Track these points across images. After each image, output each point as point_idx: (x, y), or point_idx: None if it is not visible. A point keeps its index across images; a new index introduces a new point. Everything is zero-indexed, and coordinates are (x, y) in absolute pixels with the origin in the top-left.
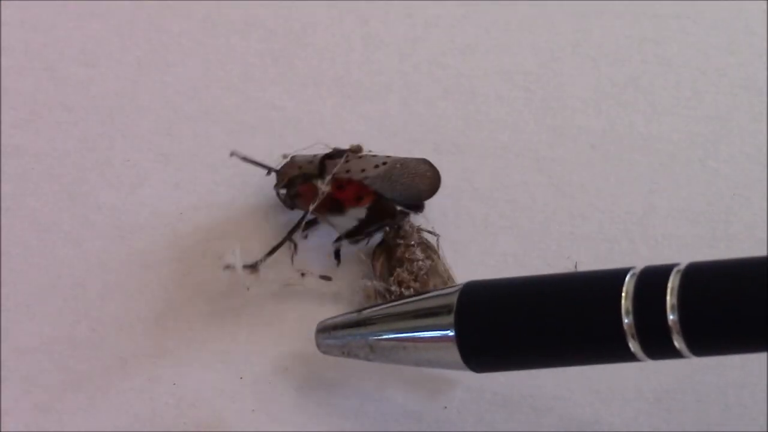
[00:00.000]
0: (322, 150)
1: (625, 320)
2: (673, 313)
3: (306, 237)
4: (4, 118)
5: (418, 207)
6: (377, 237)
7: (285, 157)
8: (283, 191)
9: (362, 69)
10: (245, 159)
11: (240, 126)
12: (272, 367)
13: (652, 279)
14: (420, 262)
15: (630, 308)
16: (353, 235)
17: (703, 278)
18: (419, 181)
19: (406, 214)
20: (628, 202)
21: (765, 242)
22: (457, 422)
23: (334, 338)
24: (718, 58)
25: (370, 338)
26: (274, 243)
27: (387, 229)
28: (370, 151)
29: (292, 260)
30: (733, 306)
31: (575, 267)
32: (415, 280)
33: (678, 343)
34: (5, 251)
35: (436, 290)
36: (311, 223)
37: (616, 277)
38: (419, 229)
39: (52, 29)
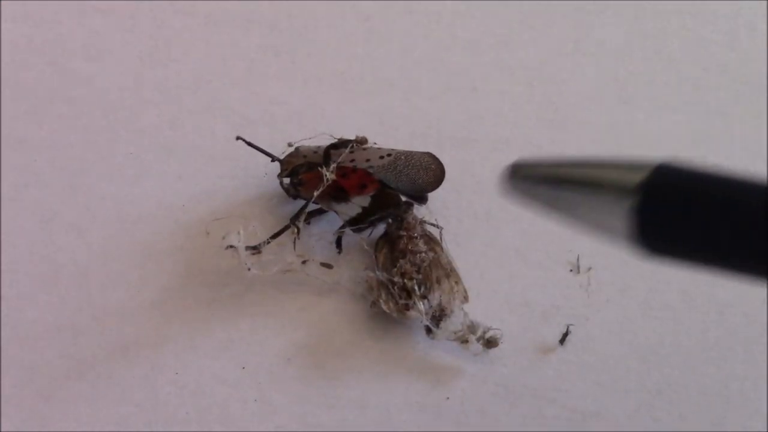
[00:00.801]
0: (326, 141)
1: None
2: None
3: (309, 224)
4: (8, 111)
5: (422, 199)
6: (380, 228)
7: (290, 146)
8: (286, 180)
9: (364, 64)
10: (250, 144)
11: (242, 120)
12: (274, 356)
13: None
14: (423, 254)
15: None
16: (356, 223)
17: None
18: (423, 174)
19: (410, 206)
20: None
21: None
22: (460, 413)
23: (522, 184)
24: (719, 54)
25: (554, 193)
26: (278, 230)
27: (390, 220)
28: (374, 143)
29: (294, 246)
30: None
31: (577, 260)
32: (418, 272)
33: None
34: (8, 241)
35: (624, 162)
36: (315, 212)
37: None
38: (422, 222)
39: (56, 24)
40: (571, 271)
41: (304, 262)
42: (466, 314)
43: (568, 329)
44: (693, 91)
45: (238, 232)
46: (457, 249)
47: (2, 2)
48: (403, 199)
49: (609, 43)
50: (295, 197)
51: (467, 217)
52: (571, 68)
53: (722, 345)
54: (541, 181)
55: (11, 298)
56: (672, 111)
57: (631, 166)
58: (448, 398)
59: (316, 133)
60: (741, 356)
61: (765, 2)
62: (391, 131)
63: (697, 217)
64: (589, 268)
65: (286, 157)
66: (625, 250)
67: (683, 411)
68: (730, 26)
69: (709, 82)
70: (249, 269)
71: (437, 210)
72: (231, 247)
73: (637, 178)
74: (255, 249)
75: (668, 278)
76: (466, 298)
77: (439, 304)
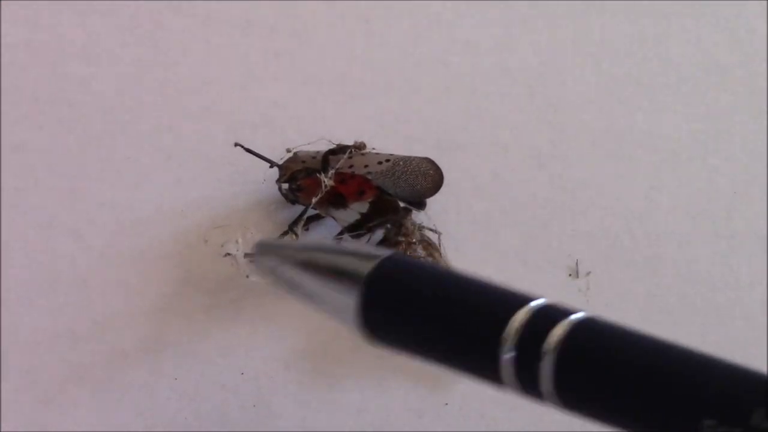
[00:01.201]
0: (325, 146)
1: (504, 351)
2: (545, 360)
3: (307, 230)
4: (7, 115)
5: (420, 205)
6: (379, 234)
7: (288, 151)
8: (285, 185)
9: (364, 67)
10: (249, 151)
11: (241, 123)
12: (273, 362)
13: (544, 319)
14: (421, 260)
15: (511, 339)
16: (355, 229)
17: (588, 339)
18: (422, 180)
19: (408, 212)
20: (628, 199)
21: (765, 238)
22: (459, 418)
23: (265, 261)
24: (719, 56)
25: (290, 273)
26: (280, 234)
27: (389, 226)
28: (373, 148)
29: None
30: (606, 381)
31: (576, 264)
32: None
33: (544, 389)
34: (7, 246)
35: (356, 251)
36: (313, 218)
37: (519, 302)
38: (421, 227)
39: (54, 27)
40: (570, 275)
41: None
42: None
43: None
44: (693, 93)
45: (237, 241)
46: (456, 254)
47: (1, 5)
48: (402, 205)
49: (608, 46)
50: (294, 203)
51: (466, 222)
52: (570, 70)
53: (722, 348)
54: (284, 263)
55: (10, 304)
56: (672, 113)
57: (365, 256)
58: (446, 403)
59: (315, 137)
60: (741, 359)
61: (765, 4)
62: (390, 134)
63: (413, 311)
64: (588, 273)
65: (284, 162)
66: (355, 335)
67: None
68: (730, 29)
69: (709, 84)
70: (247, 276)
71: (436, 214)
72: (229, 254)
73: (366, 268)
74: (253, 257)
75: (668, 282)
76: None
77: None
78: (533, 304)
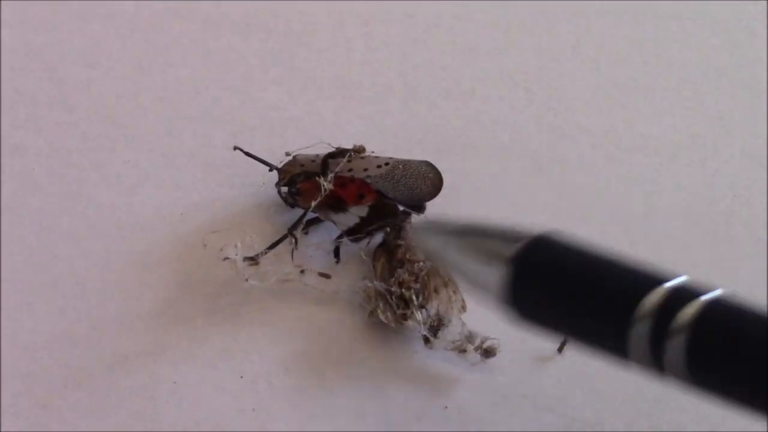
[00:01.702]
0: (324, 149)
1: (635, 328)
2: (675, 340)
3: (307, 233)
4: (5, 118)
5: (420, 208)
6: (378, 238)
7: (288, 155)
8: (284, 189)
9: (363, 69)
10: (248, 154)
11: (241, 126)
12: (272, 366)
13: (679, 296)
14: (421, 263)
15: (646, 316)
16: (354, 233)
17: (719, 320)
18: (421, 183)
19: (408, 215)
20: (628, 202)
21: (765, 242)
22: (458, 422)
23: (428, 233)
24: (719, 58)
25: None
26: (275, 240)
27: (388, 230)
28: (372, 152)
29: (292, 256)
30: (735, 361)
31: None
32: (416, 281)
33: (670, 370)
34: (6, 250)
35: (506, 231)
36: (312, 222)
37: (653, 281)
38: None
39: (53, 30)
40: None
41: (302, 272)
42: (464, 324)
43: (566, 339)
44: (692, 96)
45: (236, 245)
46: None
47: (0, 7)
48: (401, 208)
49: (608, 48)
50: (293, 206)
51: None
52: (570, 73)
53: None
54: (438, 236)
55: (9, 308)
56: (671, 116)
57: (511, 236)
58: (446, 407)
59: (314, 140)
60: None
61: (765, 6)
62: (389, 137)
63: (564, 293)
64: None
65: (283, 166)
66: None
67: (682, 420)
68: (730, 31)
69: (708, 86)
70: (247, 280)
71: (435, 218)
72: (228, 258)
73: (512, 249)
74: (252, 260)
75: None
76: (464, 308)
77: (437, 314)
78: (667, 284)
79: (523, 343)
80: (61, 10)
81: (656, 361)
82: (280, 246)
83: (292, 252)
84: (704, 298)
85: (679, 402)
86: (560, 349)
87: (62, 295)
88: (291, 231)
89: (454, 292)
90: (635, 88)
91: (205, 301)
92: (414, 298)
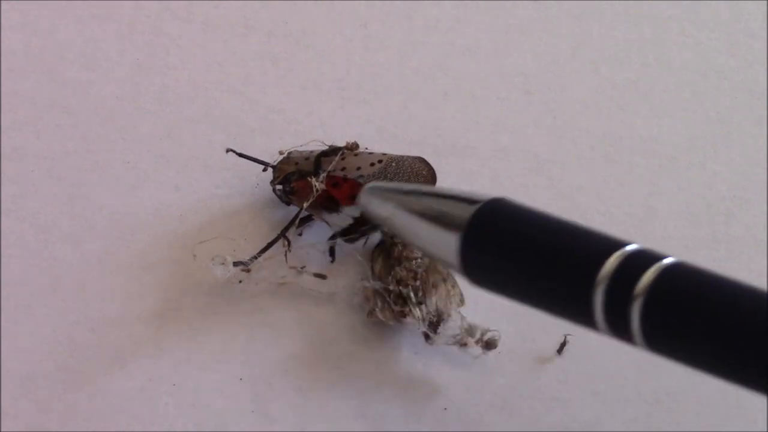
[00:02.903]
0: (318, 147)
1: (598, 289)
2: (635, 304)
3: (300, 234)
4: (4, 121)
5: None
6: (375, 237)
7: (282, 153)
8: (279, 187)
9: (362, 71)
10: (241, 155)
11: (240, 128)
12: (271, 368)
13: (636, 263)
14: (418, 260)
15: (606, 280)
16: (348, 233)
17: (678, 283)
18: (414, 180)
19: None
20: (627, 204)
21: (765, 244)
22: (458, 423)
23: (371, 199)
24: (718, 60)
25: (394, 213)
26: (268, 242)
27: (384, 229)
28: (366, 148)
29: (286, 258)
30: (694, 323)
31: None
32: (414, 278)
33: (635, 335)
34: (5, 252)
35: (460, 195)
36: (306, 220)
37: (612, 246)
38: None
39: (51, 32)
40: None
41: (299, 272)
42: (463, 317)
43: (565, 339)
44: (692, 98)
45: (224, 260)
46: None
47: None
48: None
49: (607, 50)
50: (289, 204)
51: None
52: (569, 75)
53: None
54: (388, 200)
55: (8, 310)
56: (671, 118)
57: (467, 200)
58: (445, 408)
59: (310, 140)
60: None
61: (765, 8)
62: (388, 139)
63: (523, 257)
64: None
65: (278, 164)
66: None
67: (681, 420)
68: (729, 33)
69: (707, 88)
70: (240, 282)
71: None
72: (222, 263)
73: (467, 211)
74: (244, 265)
75: None
76: (462, 301)
77: (437, 309)
78: (627, 248)
79: (522, 344)
80: (60, 11)
81: (620, 327)
82: (275, 247)
83: (286, 254)
84: (663, 262)
85: (678, 403)
86: (560, 350)
87: (61, 297)
88: (283, 233)
89: (453, 286)
90: (634, 90)
91: (203, 303)
92: (412, 294)
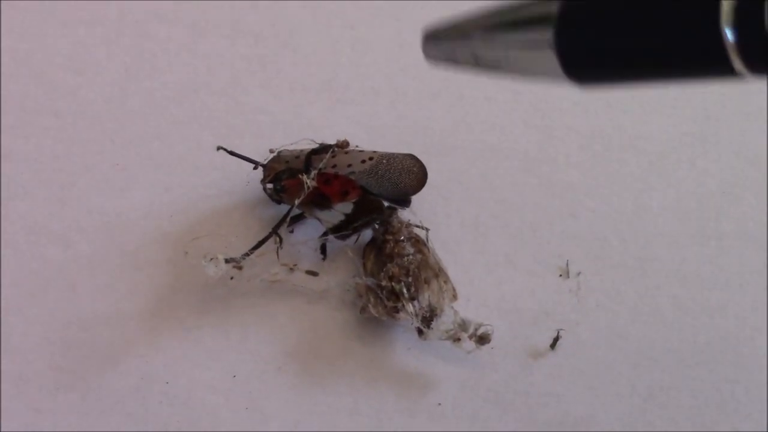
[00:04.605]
0: (308, 145)
1: (727, 33)
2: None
3: (292, 232)
4: None
5: (405, 202)
6: (367, 234)
7: (272, 151)
8: (269, 186)
9: (350, 72)
10: (232, 153)
11: (228, 130)
12: (265, 365)
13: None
14: (410, 257)
15: (730, 23)
16: (340, 230)
17: None
18: (405, 177)
19: (394, 210)
20: (617, 201)
21: (755, 239)
22: (451, 419)
23: (440, 47)
24: None
25: (474, 48)
26: (260, 240)
27: (376, 226)
28: (356, 146)
29: (278, 255)
30: None
31: (567, 265)
32: (407, 275)
33: None
34: None
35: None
36: (297, 218)
37: None
38: (408, 225)
39: (39, 36)
40: (560, 276)
41: (291, 269)
42: (456, 312)
43: (558, 334)
44: (680, 95)
45: (216, 258)
46: (446, 256)
47: None
48: (386, 204)
49: None
50: (280, 203)
51: (455, 224)
52: None
53: (713, 348)
54: (461, 37)
55: (1, 312)
56: (659, 115)
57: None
58: (439, 404)
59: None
60: (732, 359)
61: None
62: (377, 139)
63: (618, 28)
64: (579, 273)
65: (268, 162)
66: (559, 85)
67: (675, 415)
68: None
69: (696, 86)
70: (231, 278)
71: (425, 217)
72: (213, 259)
73: (551, 8)
74: (236, 262)
75: (657, 282)
76: (455, 297)
77: (429, 305)
78: None
79: (515, 340)
80: (46, 16)
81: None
82: (267, 245)
83: (278, 251)
84: None
85: (671, 397)
86: (553, 346)
87: (53, 298)
88: (275, 230)
89: (445, 282)
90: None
91: (195, 301)
92: (405, 290)
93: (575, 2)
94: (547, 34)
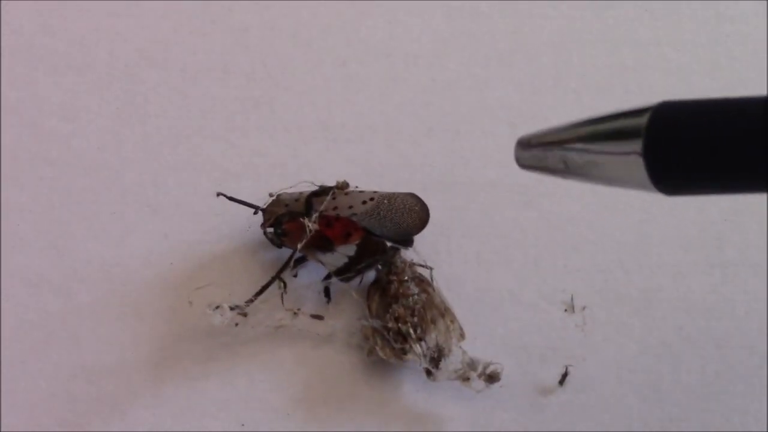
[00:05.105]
0: (308, 188)
1: None
2: None
3: (296, 276)
4: None
5: (408, 242)
6: (370, 275)
7: (271, 195)
8: (270, 230)
9: (344, 111)
10: (231, 199)
11: (225, 174)
12: (273, 412)
13: None
14: (415, 297)
15: None
16: (343, 272)
17: None
18: (407, 216)
19: (397, 250)
20: (619, 232)
21: (759, 266)
22: None
23: (532, 153)
24: (700, 84)
25: (565, 156)
26: (263, 285)
27: (379, 267)
28: (356, 187)
29: (282, 300)
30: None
31: (571, 299)
32: (413, 315)
33: None
34: None
35: (627, 111)
36: (300, 261)
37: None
38: (412, 264)
39: (29, 85)
40: (565, 311)
41: (296, 314)
42: (464, 352)
43: (566, 370)
44: None
45: (221, 306)
46: (450, 293)
47: None
48: (389, 244)
49: (589, 78)
50: (281, 246)
51: (457, 261)
52: (552, 105)
53: (722, 379)
54: (551, 147)
55: (4, 367)
56: None
57: (632, 113)
58: None
59: (296, 181)
60: (741, 389)
61: (765, 5)
62: (375, 177)
63: (703, 141)
64: (584, 307)
65: (267, 206)
66: (645, 192)
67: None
68: (710, 57)
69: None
70: (236, 325)
71: (427, 255)
72: (218, 307)
73: (640, 121)
74: (240, 310)
75: (663, 314)
76: (462, 336)
77: (437, 345)
78: None
79: (523, 377)
80: (36, 64)
81: None
82: (270, 290)
83: (282, 296)
84: None
85: (681, 430)
86: (561, 382)
87: (56, 351)
88: (278, 275)
89: (452, 321)
90: None
91: (200, 350)
92: (411, 331)
93: (664, 116)
94: (635, 146)
